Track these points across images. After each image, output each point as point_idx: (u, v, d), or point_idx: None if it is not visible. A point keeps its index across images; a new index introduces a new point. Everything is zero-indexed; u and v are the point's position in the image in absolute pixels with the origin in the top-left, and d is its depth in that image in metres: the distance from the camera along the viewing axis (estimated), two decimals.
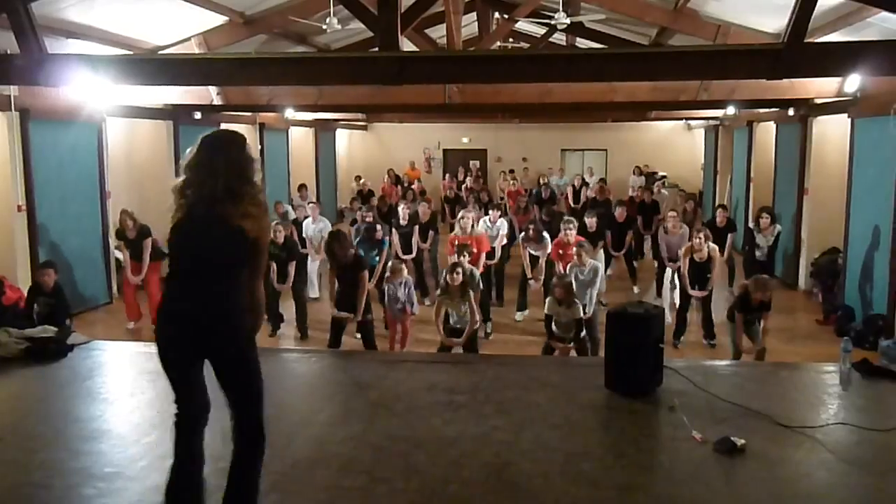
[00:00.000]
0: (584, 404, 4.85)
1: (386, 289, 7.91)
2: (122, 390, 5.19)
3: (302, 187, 15.07)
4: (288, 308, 9.08)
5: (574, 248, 8.32)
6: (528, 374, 5.45)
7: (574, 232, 9.19)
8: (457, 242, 9.01)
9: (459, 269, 6.98)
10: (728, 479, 3.78)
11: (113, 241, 10.80)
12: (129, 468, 3.85)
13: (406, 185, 18.03)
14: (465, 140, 23.24)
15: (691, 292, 8.58)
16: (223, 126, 13.95)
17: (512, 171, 19.95)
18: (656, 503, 3.56)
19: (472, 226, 9.59)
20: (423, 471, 3.87)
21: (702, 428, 4.24)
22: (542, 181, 16.39)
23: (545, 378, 5.36)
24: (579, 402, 4.88)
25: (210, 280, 3.18)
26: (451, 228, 11.61)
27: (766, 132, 14.27)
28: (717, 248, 8.89)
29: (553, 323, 7.05)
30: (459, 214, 9.90)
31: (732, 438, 4.03)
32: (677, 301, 9.16)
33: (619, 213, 11.51)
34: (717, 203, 14.02)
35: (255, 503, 3.32)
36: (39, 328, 6.36)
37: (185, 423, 3.35)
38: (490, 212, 10.95)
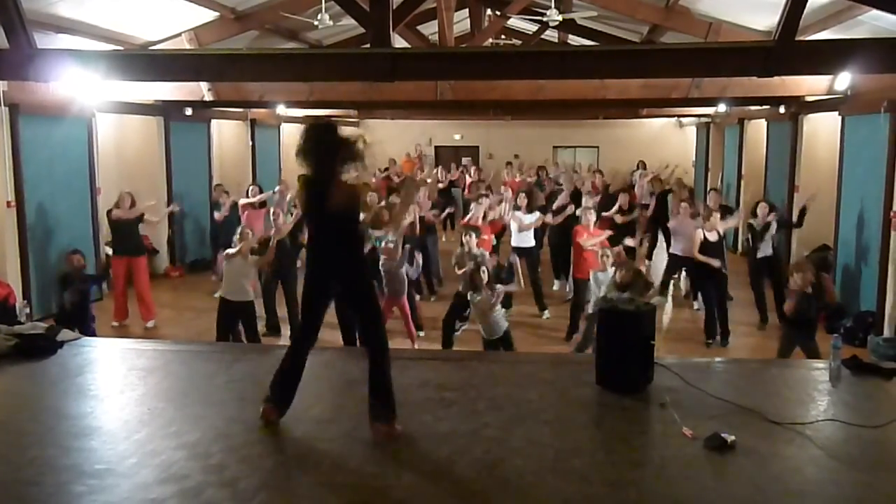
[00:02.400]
0: (575, 401, 4.86)
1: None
2: (112, 387, 5.17)
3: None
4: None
5: (599, 251, 8.24)
6: (519, 371, 5.46)
7: (593, 218, 9.24)
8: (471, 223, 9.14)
9: (484, 268, 6.94)
10: (718, 475, 3.80)
11: (103, 237, 10.77)
12: (119, 465, 3.84)
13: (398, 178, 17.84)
14: (456, 137, 23.22)
15: (709, 260, 8.52)
16: (213, 122, 13.97)
17: (509, 163, 20.02)
18: (647, 499, 3.57)
19: (485, 214, 9.69)
20: (414, 467, 3.87)
21: (692, 424, 4.25)
22: (542, 173, 16.50)
23: (537, 375, 5.37)
24: (571, 398, 4.89)
25: None
26: (444, 224, 11.67)
27: (757, 129, 14.32)
28: (722, 222, 9.01)
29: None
30: (472, 205, 10.06)
31: (723, 435, 4.04)
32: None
33: (623, 200, 11.43)
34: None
35: (391, 391, 4.27)
36: (29, 325, 6.33)
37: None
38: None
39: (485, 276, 6.89)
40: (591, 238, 8.90)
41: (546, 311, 9.90)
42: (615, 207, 11.03)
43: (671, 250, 10.28)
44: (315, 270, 4.37)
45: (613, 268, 7.56)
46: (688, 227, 9.62)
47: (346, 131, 4.44)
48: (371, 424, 4.22)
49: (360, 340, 6.33)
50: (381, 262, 8.16)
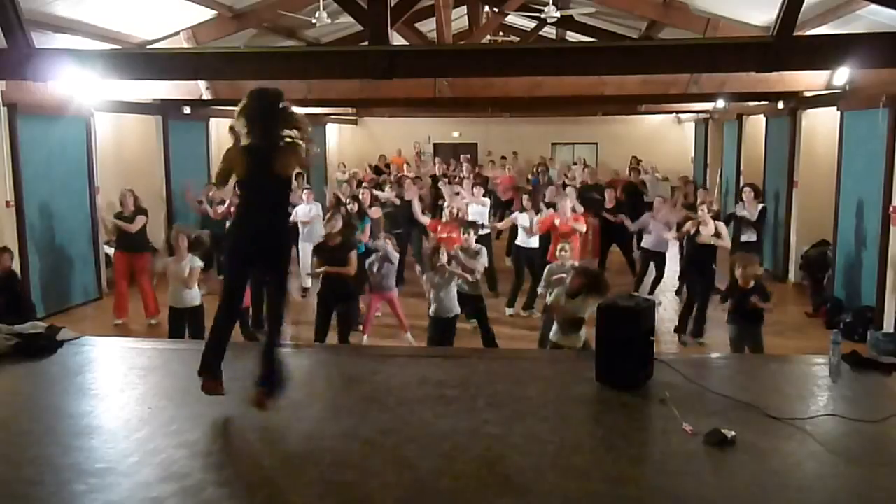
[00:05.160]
0: (575, 397, 4.86)
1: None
2: (113, 386, 5.16)
3: (298, 176, 15.04)
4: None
5: (559, 245, 8.20)
6: (519, 368, 5.46)
7: (570, 204, 9.27)
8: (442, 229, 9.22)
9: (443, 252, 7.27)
10: (718, 471, 3.80)
11: (103, 237, 10.77)
12: (120, 464, 3.84)
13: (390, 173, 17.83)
14: (455, 134, 23.23)
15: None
16: (212, 121, 13.96)
17: (504, 158, 20.05)
18: (647, 495, 3.57)
19: (455, 214, 9.71)
20: (414, 465, 3.86)
21: (692, 420, 4.25)
22: (538, 169, 16.50)
23: (536, 371, 5.37)
24: (570, 395, 4.89)
25: None
26: (433, 212, 11.74)
27: (756, 125, 14.31)
28: (724, 225, 8.86)
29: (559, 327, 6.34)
30: (447, 204, 9.99)
31: (723, 430, 4.04)
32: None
33: (609, 196, 11.50)
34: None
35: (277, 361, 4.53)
36: (29, 324, 6.32)
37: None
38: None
39: (443, 258, 7.26)
40: (564, 226, 8.92)
41: (533, 309, 9.92)
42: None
43: (642, 244, 10.34)
44: (246, 234, 4.47)
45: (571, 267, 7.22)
46: (661, 222, 9.73)
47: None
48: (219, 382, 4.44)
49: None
50: (367, 262, 8.26)
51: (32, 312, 7.84)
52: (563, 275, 6.76)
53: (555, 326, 6.30)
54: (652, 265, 10.33)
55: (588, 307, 5.94)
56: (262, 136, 4.31)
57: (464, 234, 8.26)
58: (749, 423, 4.25)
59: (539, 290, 7.72)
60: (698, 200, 10.76)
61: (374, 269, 8.30)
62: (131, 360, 5.71)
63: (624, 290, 7.17)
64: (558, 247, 7.97)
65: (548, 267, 7.53)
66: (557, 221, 9.13)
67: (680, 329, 8.77)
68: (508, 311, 9.91)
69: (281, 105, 4.37)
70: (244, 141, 4.37)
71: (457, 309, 7.29)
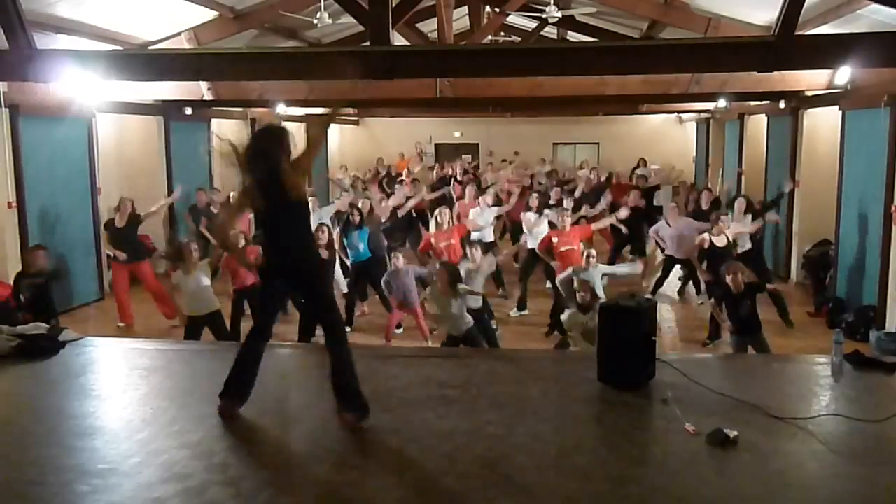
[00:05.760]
0: (577, 397, 4.86)
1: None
2: (115, 387, 5.17)
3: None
4: None
5: (584, 250, 8.24)
6: (520, 368, 5.46)
7: (569, 220, 9.24)
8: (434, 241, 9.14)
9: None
10: (721, 471, 3.80)
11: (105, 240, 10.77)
12: (122, 464, 3.84)
13: (393, 175, 17.82)
14: (456, 134, 23.21)
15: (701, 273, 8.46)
16: (214, 121, 13.96)
17: (505, 161, 20.04)
18: (649, 495, 3.57)
19: (449, 222, 9.65)
20: (416, 465, 3.87)
21: (694, 420, 4.25)
22: (543, 169, 16.55)
23: (538, 372, 5.37)
24: (572, 395, 4.89)
25: None
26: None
27: (758, 125, 14.31)
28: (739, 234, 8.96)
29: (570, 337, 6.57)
30: (436, 211, 9.89)
31: (725, 430, 4.04)
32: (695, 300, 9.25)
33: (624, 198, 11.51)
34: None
35: (353, 373, 4.39)
36: (31, 325, 6.33)
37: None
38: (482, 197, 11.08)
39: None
40: (564, 242, 8.91)
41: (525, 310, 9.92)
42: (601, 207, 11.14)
43: (666, 252, 10.34)
44: (277, 264, 4.49)
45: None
46: (680, 228, 9.76)
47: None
48: (339, 415, 4.35)
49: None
50: (383, 280, 8.28)
51: (55, 313, 7.86)
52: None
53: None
54: (678, 267, 10.43)
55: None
56: (268, 170, 4.30)
57: (465, 252, 8.25)
58: (751, 423, 4.25)
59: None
60: (703, 201, 10.84)
61: (392, 289, 8.24)
62: (133, 361, 5.72)
63: (636, 291, 7.18)
64: (583, 252, 8.11)
65: (577, 271, 7.43)
66: (556, 240, 9.09)
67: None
68: (518, 313, 9.90)
69: (282, 137, 4.38)
70: (248, 178, 4.40)
71: (468, 320, 7.01)
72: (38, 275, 7.76)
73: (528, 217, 10.28)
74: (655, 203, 12.81)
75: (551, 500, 3.52)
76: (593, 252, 8.13)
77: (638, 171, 15.75)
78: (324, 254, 7.51)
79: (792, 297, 10.68)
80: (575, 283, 6.61)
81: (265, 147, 4.34)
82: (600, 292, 7.32)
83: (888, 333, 8.04)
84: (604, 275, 7.94)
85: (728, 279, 6.77)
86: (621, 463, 3.90)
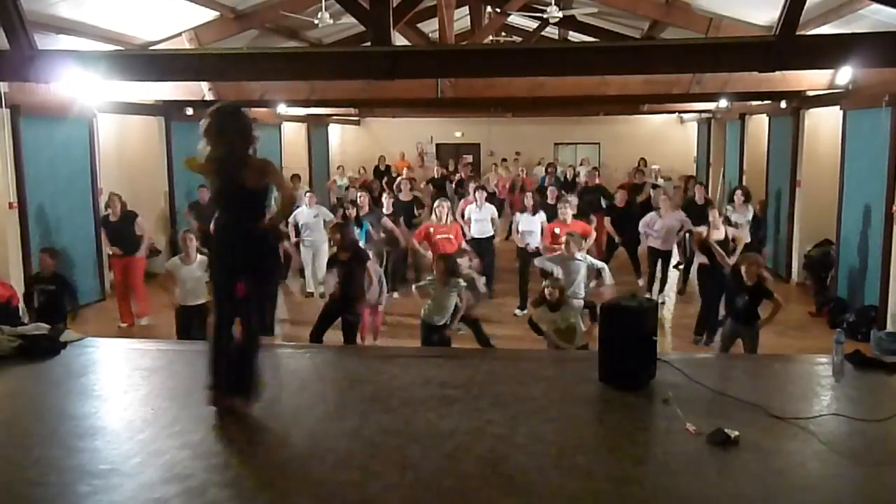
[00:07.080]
0: (578, 398, 4.86)
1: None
2: (116, 387, 5.17)
3: (294, 177, 15.08)
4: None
5: (563, 237, 8.27)
6: (522, 368, 5.46)
7: (570, 212, 9.27)
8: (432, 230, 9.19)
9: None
10: (722, 471, 3.79)
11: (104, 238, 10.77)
12: (123, 465, 3.84)
13: (394, 176, 17.84)
14: (457, 134, 23.22)
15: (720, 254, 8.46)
16: None
17: (505, 160, 20.04)
18: (651, 495, 3.57)
19: (448, 216, 9.68)
20: (418, 465, 3.86)
21: (696, 420, 4.24)
22: (548, 169, 16.59)
23: (539, 372, 5.37)
24: (574, 395, 4.89)
25: None
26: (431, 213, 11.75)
27: (759, 125, 14.30)
28: (734, 230, 8.95)
29: (544, 333, 6.73)
30: (436, 203, 9.95)
31: (726, 430, 4.04)
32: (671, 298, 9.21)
33: (620, 197, 11.56)
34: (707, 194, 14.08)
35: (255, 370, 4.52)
36: (32, 325, 6.33)
37: None
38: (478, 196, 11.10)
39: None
40: (564, 231, 8.92)
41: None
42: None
43: (650, 244, 10.38)
44: (226, 246, 4.52)
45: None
46: (669, 228, 9.80)
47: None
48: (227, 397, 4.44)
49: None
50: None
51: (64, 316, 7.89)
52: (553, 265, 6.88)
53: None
54: (659, 263, 10.40)
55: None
56: (227, 151, 4.33)
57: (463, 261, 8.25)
58: (752, 423, 4.25)
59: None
60: (696, 196, 10.92)
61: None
62: (135, 362, 5.71)
63: (630, 289, 7.19)
64: (563, 240, 8.12)
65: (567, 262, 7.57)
66: (558, 230, 9.10)
67: (698, 330, 8.73)
68: (520, 312, 9.89)
69: (245, 120, 4.43)
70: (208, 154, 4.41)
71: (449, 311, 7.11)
72: (51, 281, 7.81)
73: (522, 218, 10.27)
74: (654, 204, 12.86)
75: (553, 500, 3.51)
76: (576, 238, 8.07)
77: (650, 181, 15.73)
78: (342, 256, 7.51)
79: (793, 296, 10.68)
80: (546, 282, 6.76)
81: (222, 125, 4.33)
82: (581, 289, 7.36)
83: (889, 333, 8.04)
84: (594, 270, 7.94)
85: (742, 268, 6.76)
86: (623, 463, 3.90)
